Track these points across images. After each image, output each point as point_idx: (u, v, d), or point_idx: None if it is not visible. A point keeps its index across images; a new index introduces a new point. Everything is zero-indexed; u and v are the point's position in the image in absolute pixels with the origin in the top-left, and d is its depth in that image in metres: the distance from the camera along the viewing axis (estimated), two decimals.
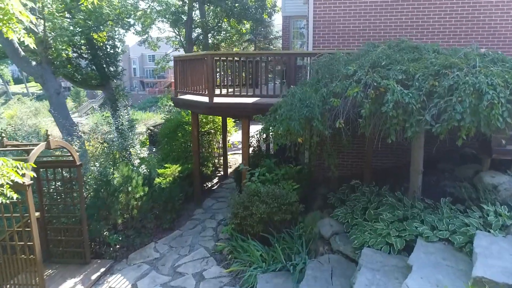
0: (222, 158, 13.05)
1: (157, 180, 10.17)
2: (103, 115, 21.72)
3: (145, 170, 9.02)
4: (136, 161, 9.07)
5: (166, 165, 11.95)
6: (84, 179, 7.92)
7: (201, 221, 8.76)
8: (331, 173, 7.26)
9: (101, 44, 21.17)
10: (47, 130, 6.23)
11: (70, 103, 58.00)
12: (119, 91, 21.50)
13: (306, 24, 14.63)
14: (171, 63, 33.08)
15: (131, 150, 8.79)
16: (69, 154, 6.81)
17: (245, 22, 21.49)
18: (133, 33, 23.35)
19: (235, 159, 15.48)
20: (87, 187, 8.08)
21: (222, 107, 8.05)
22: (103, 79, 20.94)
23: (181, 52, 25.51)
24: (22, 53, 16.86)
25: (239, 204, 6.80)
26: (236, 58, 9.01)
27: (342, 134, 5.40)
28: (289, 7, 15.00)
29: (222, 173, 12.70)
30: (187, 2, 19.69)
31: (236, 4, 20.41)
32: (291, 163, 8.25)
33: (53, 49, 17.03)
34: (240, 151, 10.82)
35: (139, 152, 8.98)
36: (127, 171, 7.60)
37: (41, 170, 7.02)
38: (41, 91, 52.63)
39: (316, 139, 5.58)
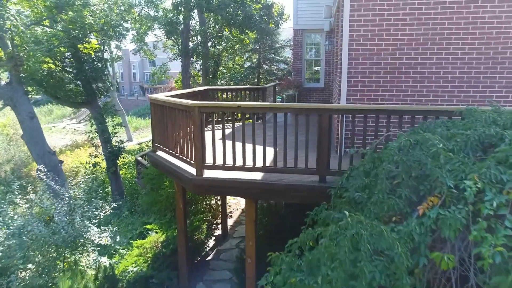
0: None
1: (129, 261, 7.41)
2: (88, 136, 18.98)
3: (106, 262, 6.25)
4: (93, 255, 6.29)
5: (148, 226, 9.22)
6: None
7: None
8: None
9: (87, 56, 18.42)
10: None
11: (68, 109, 55.24)
12: (107, 109, 18.71)
13: (327, 44, 11.83)
14: (169, 73, 30.31)
15: (86, 237, 6.00)
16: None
17: (248, 32, 18.66)
18: (123, 44, 20.55)
19: (236, 201, 12.71)
20: None
21: (216, 186, 5.27)
22: (89, 96, 18.16)
23: (178, 63, 22.72)
24: None
25: None
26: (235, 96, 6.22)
27: None
28: (302, 20, 12.20)
29: (220, 230, 9.92)
30: (183, 10, 16.90)
31: (239, 12, 17.58)
32: None
33: (25, 66, 14.26)
34: None
35: (97, 239, 6.17)
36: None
37: None
38: (39, 96, 50.10)
39: None
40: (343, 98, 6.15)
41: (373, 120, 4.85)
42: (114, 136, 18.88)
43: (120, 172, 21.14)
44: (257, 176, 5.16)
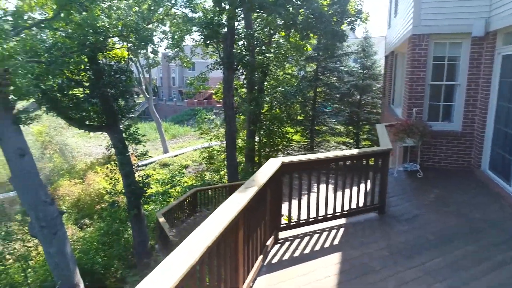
0: None
1: None
2: (106, 167, 14.61)
3: None
4: None
5: None
6: None
7: None
8: None
9: (108, 67, 14.12)
10: None
11: None
12: (130, 135, 14.25)
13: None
14: (207, 83, 25.78)
15: None
16: None
17: (311, 35, 13.52)
18: (153, 49, 15.93)
19: None
20: None
21: None
22: (108, 118, 13.83)
23: (220, 73, 17.95)
24: None
25: None
26: None
27: None
28: (429, 19, 6.93)
29: None
30: (227, 8, 12.05)
31: (301, 11, 12.50)
32: None
33: (11, 86, 10.02)
34: None
35: None
36: None
37: None
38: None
39: None
40: None
41: None
42: (138, 170, 14.49)
43: (146, 206, 16.78)
44: None
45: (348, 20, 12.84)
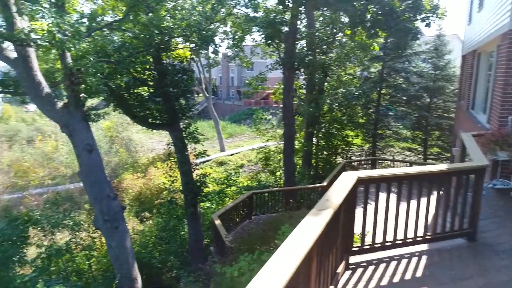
0: None
1: None
2: (167, 164, 14.88)
3: None
4: None
5: None
6: None
7: None
8: None
9: (171, 67, 14.38)
10: None
11: None
12: (189, 134, 14.39)
13: None
14: (265, 83, 25.51)
15: None
16: None
17: (380, 33, 12.54)
18: (214, 49, 15.89)
19: None
20: None
21: None
22: (170, 116, 14.09)
23: (278, 73, 17.54)
24: (46, 89, 10.56)
25: None
26: None
27: None
28: None
29: None
30: (291, 6, 11.57)
31: (369, 7, 11.63)
32: None
33: (83, 85, 10.46)
34: None
35: None
36: None
37: None
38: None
39: None
40: None
41: None
42: (195, 169, 14.58)
43: (202, 204, 16.88)
44: None
45: (423, 16, 11.68)
